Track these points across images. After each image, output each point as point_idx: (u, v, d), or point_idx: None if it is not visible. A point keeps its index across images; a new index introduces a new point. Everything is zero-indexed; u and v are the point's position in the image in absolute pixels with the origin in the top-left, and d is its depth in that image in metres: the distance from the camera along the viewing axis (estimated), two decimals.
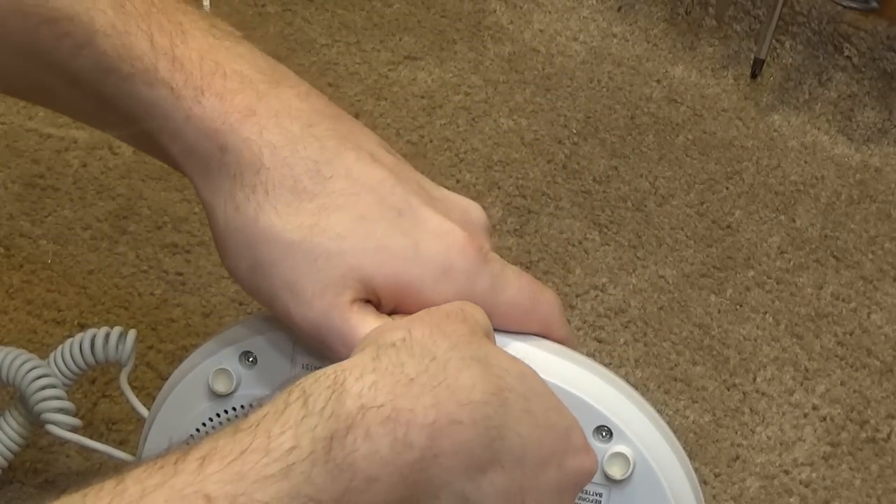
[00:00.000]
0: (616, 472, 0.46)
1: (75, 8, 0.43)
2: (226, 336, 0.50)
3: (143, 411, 0.59)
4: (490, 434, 0.39)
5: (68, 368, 0.60)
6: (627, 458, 0.46)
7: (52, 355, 0.61)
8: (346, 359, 0.40)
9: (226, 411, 0.49)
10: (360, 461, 0.36)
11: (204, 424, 0.50)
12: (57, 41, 0.44)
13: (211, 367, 0.49)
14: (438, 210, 0.45)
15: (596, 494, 0.47)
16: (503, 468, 0.40)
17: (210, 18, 0.47)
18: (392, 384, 0.37)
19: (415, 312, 0.44)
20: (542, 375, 0.45)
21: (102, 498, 0.33)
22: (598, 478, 0.46)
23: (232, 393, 0.49)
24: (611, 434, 0.46)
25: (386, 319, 0.44)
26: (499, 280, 0.46)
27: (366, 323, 0.43)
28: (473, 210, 0.47)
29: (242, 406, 0.49)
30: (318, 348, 0.45)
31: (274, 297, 0.44)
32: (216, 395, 0.49)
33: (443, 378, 0.39)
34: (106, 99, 0.45)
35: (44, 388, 0.59)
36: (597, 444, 0.46)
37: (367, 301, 0.44)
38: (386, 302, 0.44)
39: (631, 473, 0.46)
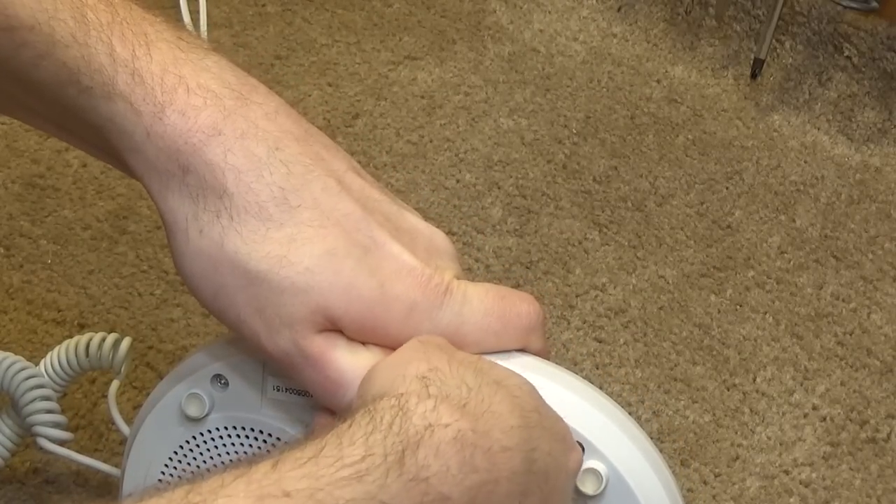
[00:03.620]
0: (589, 488, 0.46)
1: (36, 17, 0.42)
2: (196, 360, 0.50)
3: (125, 429, 0.60)
4: (530, 457, 0.40)
5: (60, 374, 0.60)
6: (600, 474, 0.46)
7: (44, 360, 0.61)
8: (317, 383, 0.42)
9: (201, 433, 0.49)
10: (433, 478, 0.36)
11: (181, 447, 0.50)
12: (16, 50, 0.43)
13: (183, 391, 0.49)
14: (404, 244, 0.45)
15: None
16: (539, 488, 0.41)
17: (178, 29, 0.46)
18: (451, 408, 0.38)
19: (380, 346, 0.44)
20: None
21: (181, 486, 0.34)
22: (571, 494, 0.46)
23: (205, 416, 0.49)
24: (582, 449, 0.46)
25: (357, 345, 0.44)
26: (464, 310, 0.46)
27: (336, 348, 0.44)
28: (439, 239, 0.48)
29: (217, 429, 0.49)
30: (287, 372, 0.45)
31: (241, 322, 0.44)
32: (189, 420, 0.49)
33: (487, 406, 0.40)
34: (66, 109, 0.44)
35: (36, 399, 0.59)
36: None
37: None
38: (351, 336, 0.44)
39: (604, 489, 0.46)
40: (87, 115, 0.44)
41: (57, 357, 0.60)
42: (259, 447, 0.49)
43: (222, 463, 0.49)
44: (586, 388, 0.48)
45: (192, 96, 0.44)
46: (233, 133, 0.44)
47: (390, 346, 0.44)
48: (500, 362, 0.46)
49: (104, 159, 0.47)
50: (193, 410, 0.49)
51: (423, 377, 0.40)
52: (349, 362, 0.44)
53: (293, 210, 0.43)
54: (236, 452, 0.49)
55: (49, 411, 0.59)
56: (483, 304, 0.46)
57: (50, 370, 0.60)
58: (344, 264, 0.43)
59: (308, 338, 0.43)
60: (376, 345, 0.45)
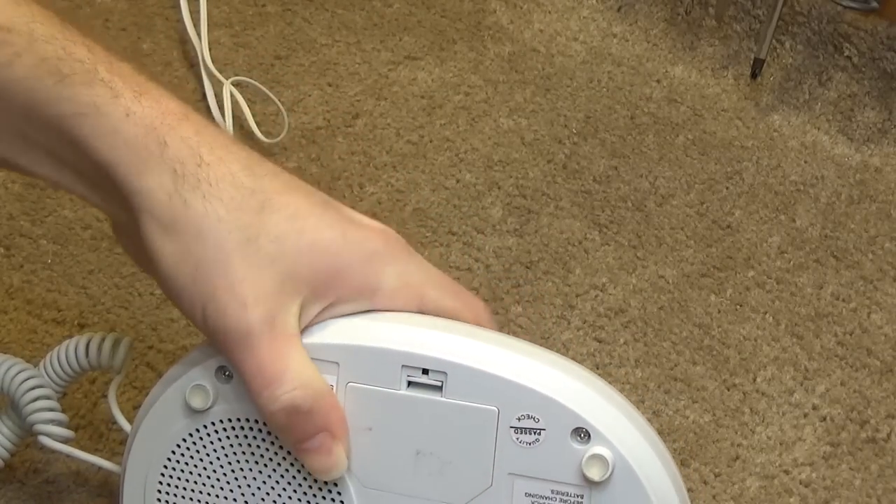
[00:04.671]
0: (595, 473, 0.46)
1: (14, 21, 0.45)
2: (199, 353, 0.50)
3: (126, 426, 0.59)
4: None
5: (59, 375, 0.60)
6: (606, 460, 0.46)
7: (44, 360, 0.61)
8: (260, 369, 0.44)
9: (204, 426, 0.50)
10: None
11: (184, 440, 0.50)
12: None
13: (187, 383, 0.49)
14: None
15: (577, 496, 0.47)
16: None
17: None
18: None
19: (348, 296, 0.46)
20: (514, 379, 0.46)
21: None
22: (577, 480, 0.46)
23: (209, 408, 0.49)
24: (589, 436, 0.46)
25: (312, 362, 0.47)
26: (425, 266, 0.48)
27: (297, 348, 0.45)
28: (392, 232, 0.50)
29: (221, 421, 0.49)
30: (234, 355, 0.45)
31: (212, 298, 0.45)
32: (193, 412, 0.49)
33: None
34: (36, 106, 0.46)
35: (37, 398, 0.59)
36: (575, 447, 0.46)
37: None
38: (319, 293, 0.46)
39: (610, 475, 0.46)
40: (61, 107, 0.45)
41: (56, 357, 0.60)
42: (263, 439, 0.49)
43: (225, 456, 0.49)
44: (589, 376, 0.49)
45: (160, 90, 0.47)
46: (197, 120, 0.47)
47: (350, 296, 0.47)
48: (501, 350, 0.47)
49: (43, 169, 0.48)
50: (198, 402, 0.49)
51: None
52: (300, 362, 0.45)
53: (260, 178, 0.47)
54: (239, 445, 0.49)
55: (50, 409, 0.59)
56: (439, 270, 0.49)
57: (49, 370, 0.60)
58: (307, 223, 0.46)
59: (273, 323, 0.44)
60: (343, 297, 0.46)
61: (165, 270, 0.45)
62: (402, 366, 0.47)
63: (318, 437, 0.46)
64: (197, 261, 0.44)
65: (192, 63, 0.93)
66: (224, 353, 0.46)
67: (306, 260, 0.45)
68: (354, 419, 0.48)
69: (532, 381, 0.46)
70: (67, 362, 0.60)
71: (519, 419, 0.47)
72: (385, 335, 0.47)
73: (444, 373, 0.47)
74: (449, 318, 0.49)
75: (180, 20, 0.96)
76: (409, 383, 0.48)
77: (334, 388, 0.47)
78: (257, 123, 0.88)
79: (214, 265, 0.44)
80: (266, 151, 0.87)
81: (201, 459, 0.50)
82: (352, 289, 0.46)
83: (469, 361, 0.47)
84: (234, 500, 0.50)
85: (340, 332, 0.47)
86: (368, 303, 0.47)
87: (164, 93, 0.47)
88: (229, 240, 0.44)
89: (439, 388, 0.47)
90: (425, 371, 0.47)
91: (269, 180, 0.46)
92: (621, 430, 0.47)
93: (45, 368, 0.60)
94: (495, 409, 0.47)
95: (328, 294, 0.46)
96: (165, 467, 0.50)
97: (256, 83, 0.90)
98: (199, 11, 0.96)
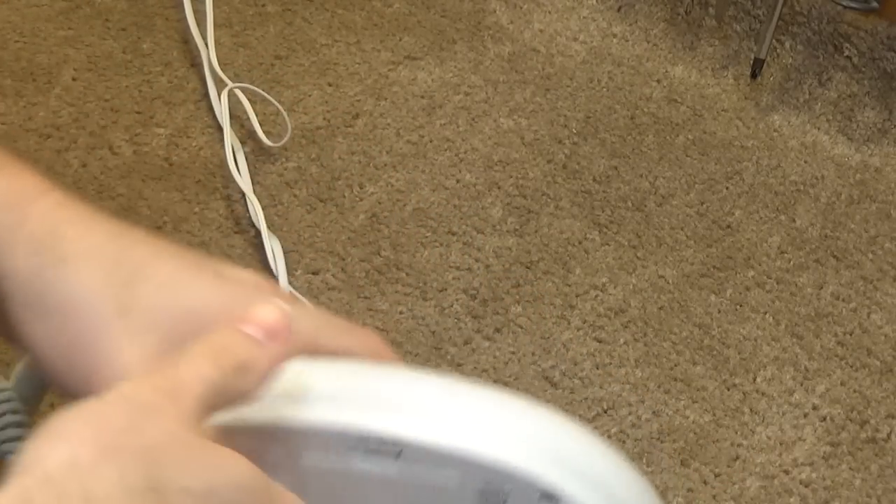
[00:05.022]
0: None
1: None
2: None
3: None
4: None
5: (32, 388, 0.59)
6: None
7: (14, 372, 0.60)
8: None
9: None
10: None
11: None
12: None
13: None
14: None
15: None
16: None
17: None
18: None
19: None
20: (475, 454, 0.43)
21: None
22: None
23: None
24: (558, 500, 0.45)
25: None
26: (309, 307, 0.46)
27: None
28: (266, 282, 0.49)
29: None
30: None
31: (94, 373, 0.43)
32: None
33: None
34: None
35: (3, 413, 0.58)
36: None
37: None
38: (182, 338, 0.44)
39: None
40: None
41: (22, 371, 0.59)
42: None
43: None
44: (566, 427, 0.46)
45: (20, 166, 0.45)
46: (56, 194, 0.46)
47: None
48: (493, 399, 0.44)
49: None
50: None
51: (42, 481, 0.32)
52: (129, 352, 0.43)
53: (126, 248, 0.44)
54: None
55: (18, 425, 0.58)
56: (325, 311, 0.47)
57: (19, 386, 0.59)
58: (178, 289, 0.45)
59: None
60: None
61: (40, 353, 0.44)
62: (353, 445, 0.45)
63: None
64: (70, 340, 0.43)
65: (192, 63, 0.94)
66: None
67: (183, 327, 0.43)
68: (309, 497, 0.45)
69: (494, 451, 0.44)
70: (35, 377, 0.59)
71: (482, 491, 0.45)
72: (331, 414, 0.45)
73: (400, 450, 0.45)
74: (345, 356, 0.47)
75: (181, 20, 0.96)
76: (362, 456, 0.45)
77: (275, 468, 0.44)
78: (260, 124, 0.88)
79: (89, 342, 0.42)
80: (267, 153, 0.87)
81: None
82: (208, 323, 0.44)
83: (425, 437, 0.44)
84: None
85: (271, 408, 0.44)
86: None
87: (23, 168, 0.45)
88: (101, 315, 0.42)
89: (395, 458, 0.45)
90: (378, 447, 0.45)
91: (136, 249, 0.44)
92: (594, 492, 0.45)
93: (17, 381, 0.59)
94: (456, 483, 0.45)
95: (186, 334, 0.45)
96: None
97: (258, 89, 0.90)
98: (204, 11, 0.96)
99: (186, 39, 0.95)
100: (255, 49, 0.95)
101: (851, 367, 0.78)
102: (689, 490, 0.70)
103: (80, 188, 0.83)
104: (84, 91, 0.90)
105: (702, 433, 0.73)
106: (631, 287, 0.81)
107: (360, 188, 0.86)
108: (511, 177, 0.88)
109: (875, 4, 0.96)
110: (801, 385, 0.76)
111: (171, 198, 0.83)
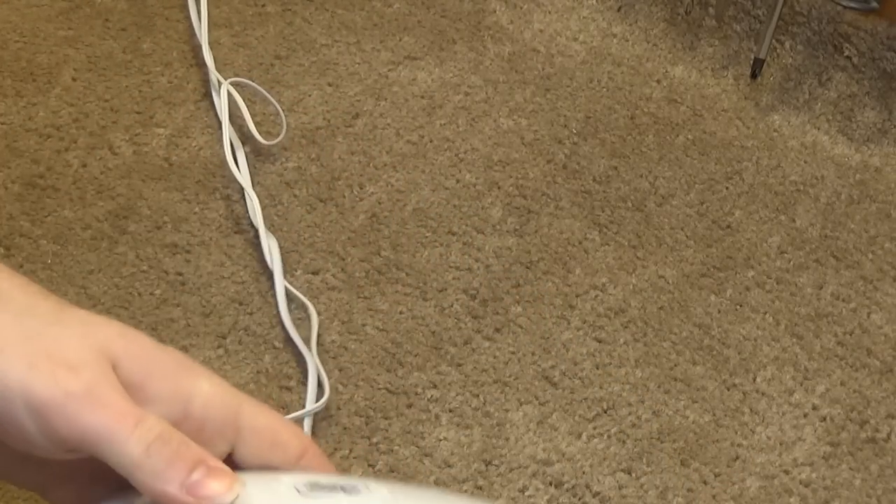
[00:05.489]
0: None
1: None
2: None
3: None
4: None
5: None
6: None
7: None
8: (113, 414, 0.41)
9: None
10: None
11: None
12: None
13: None
14: None
15: None
16: None
17: None
18: None
19: (163, 395, 0.45)
20: None
21: None
22: None
23: None
24: None
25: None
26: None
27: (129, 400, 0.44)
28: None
29: None
30: (81, 419, 0.43)
31: (35, 372, 0.43)
32: None
33: None
34: None
35: None
36: None
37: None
38: (135, 385, 0.45)
39: None
40: None
41: None
42: None
43: None
44: None
45: None
46: None
47: (165, 396, 0.45)
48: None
49: None
50: None
51: None
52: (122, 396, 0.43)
53: (52, 326, 0.45)
54: None
55: None
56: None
57: None
58: (109, 337, 0.45)
59: (105, 378, 0.43)
60: (154, 400, 0.45)
61: (21, 443, 0.42)
62: None
63: (203, 463, 0.44)
64: (45, 424, 0.43)
65: (192, 63, 0.94)
66: (73, 432, 0.43)
67: (121, 363, 0.44)
68: None
69: None
70: None
71: None
72: None
73: None
74: (267, 434, 0.46)
75: (181, 20, 0.96)
76: None
77: None
78: (257, 124, 0.88)
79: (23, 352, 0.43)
80: (265, 152, 0.87)
81: None
82: (166, 390, 0.44)
83: None
84: None
85: None
86: (182, 408, 0.46)
87: None
88: (58, 396, 0.42)
89: None
90: None
91: (73, 313, 0.46)
92: None
93: None
94: None
95: (144, 388, 0.44)
96: None
97: (255, 84, 0.90)
98: (200, 12, 0.96)
99: (186, 39, 0.95)
100: (254, 49, 0.95)
101: (851, 367, 0.78)
102: (689, 490, 0.70)
103: (79, 188, 0.83)
104: (84, 91, 0.90)
105: (702, 433, 0.73)
106: (631, 287, 0.81)
107: (360, 188, 0.86)
108: (511, 177, 0.88)
109: (875, 4, 0.96)
110: (801, 385, 0.76)
111: (171, 198, 0.83)
